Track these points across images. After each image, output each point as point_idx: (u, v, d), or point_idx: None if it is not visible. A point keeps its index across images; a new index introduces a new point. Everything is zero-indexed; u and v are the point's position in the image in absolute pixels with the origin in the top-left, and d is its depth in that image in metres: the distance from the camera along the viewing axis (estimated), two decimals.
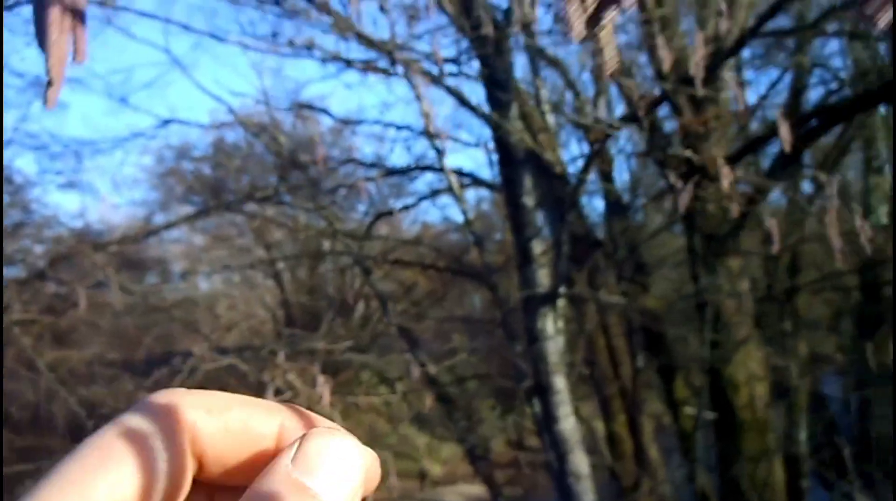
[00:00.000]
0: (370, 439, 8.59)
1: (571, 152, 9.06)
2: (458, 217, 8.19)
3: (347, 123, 7.19)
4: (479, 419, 7.16)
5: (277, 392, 4.08)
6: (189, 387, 0.37)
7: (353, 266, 6.22)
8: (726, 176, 3.01)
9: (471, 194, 10.22)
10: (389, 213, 7.81)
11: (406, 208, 7.64)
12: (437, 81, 4.86)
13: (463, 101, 4.85)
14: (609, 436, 6.01)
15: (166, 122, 6.74)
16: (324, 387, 3.52)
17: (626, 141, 7.88)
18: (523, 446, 8.94)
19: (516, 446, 9.12)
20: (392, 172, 7.20)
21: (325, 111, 6.86)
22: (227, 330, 8.78)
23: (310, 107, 7.35)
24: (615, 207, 6.55)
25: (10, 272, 6.54)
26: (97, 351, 7.85)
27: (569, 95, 7.10)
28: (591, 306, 5.66)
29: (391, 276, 8.40)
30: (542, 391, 4.66)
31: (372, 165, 8.30)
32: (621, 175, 8.99)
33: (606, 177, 6.85)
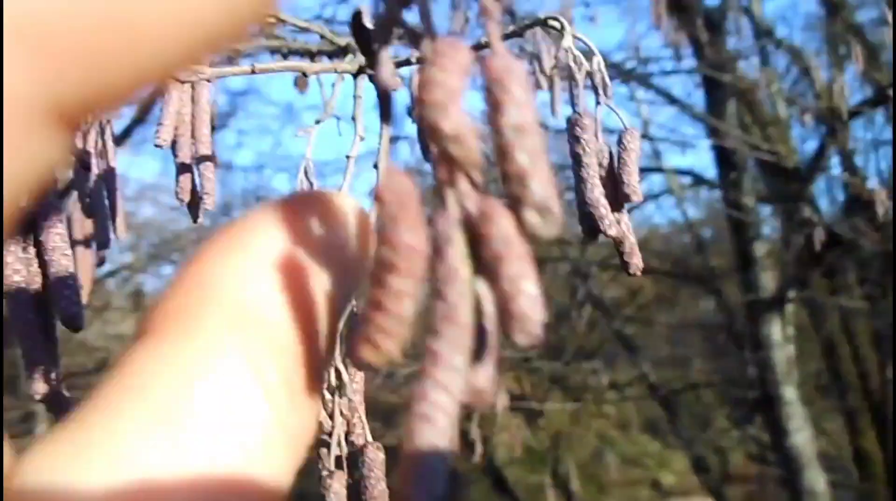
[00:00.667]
0: (600, 444, 8.52)
1: (809, 146, 8.38)
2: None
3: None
4: (710, 429, 6.82)
5: None
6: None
7: (573, 273, 6.21)
8: (882, 203, 2.65)
9: (703, 195, 9.76)
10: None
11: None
12: (646, 83, 4.75)
13: (672, 99, 4.69)
14: (856, 454, 5.45)
15: (395, 139, 7.22)
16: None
17: (882, 127, 7.10)
18: (766, 460, 8.35)
19: (759, 460, 8.55)
20: None
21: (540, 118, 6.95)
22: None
23: None
24: (859, 201, 5.94)
25: None
26: None
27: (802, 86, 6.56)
28: (831, 311, 5.18)
29: (618, 280, 8.25)
30: (771, 401, 4.36)
31: None
32: (875, 165, 8.13)
33: (850, 168, 6.22)
